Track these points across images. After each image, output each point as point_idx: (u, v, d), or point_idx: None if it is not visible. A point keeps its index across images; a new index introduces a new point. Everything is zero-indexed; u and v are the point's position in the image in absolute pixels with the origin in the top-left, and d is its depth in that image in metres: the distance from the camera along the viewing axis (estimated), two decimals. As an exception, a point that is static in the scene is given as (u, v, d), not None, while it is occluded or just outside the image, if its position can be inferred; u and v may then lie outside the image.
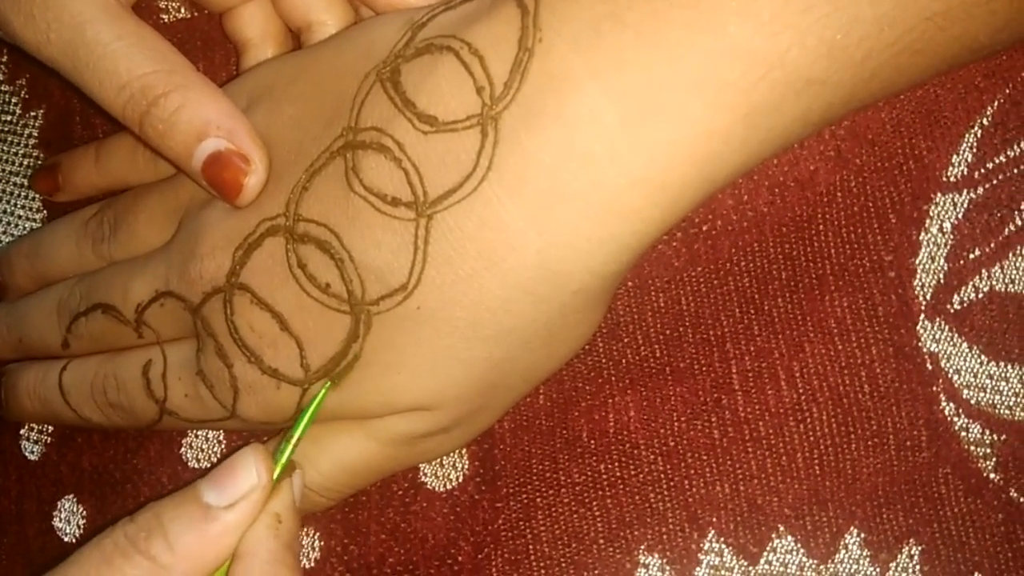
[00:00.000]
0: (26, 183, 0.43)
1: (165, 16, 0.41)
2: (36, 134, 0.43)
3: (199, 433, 0.39)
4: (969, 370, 0.36)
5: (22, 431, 0.42)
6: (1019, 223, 0.35)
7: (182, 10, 0.41)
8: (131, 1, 0.36)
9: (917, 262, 0.36)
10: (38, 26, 0.34)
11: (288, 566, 0.31)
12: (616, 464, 0.36)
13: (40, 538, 0.41)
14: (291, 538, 0.32)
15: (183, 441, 0.39)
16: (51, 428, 0.42)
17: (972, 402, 0.36)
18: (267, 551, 0.31)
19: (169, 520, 0.31)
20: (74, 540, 0.40)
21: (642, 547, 0.36)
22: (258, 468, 0.31)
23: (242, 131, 0.33)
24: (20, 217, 0.43)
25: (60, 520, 0.41)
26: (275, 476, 0.32)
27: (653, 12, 0.28)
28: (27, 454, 0.42)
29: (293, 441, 0.33)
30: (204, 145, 0.33)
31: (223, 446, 0.39)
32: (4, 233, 0.43)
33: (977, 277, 0.36)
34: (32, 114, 0.43)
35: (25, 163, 0.43)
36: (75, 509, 0.41)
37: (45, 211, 0.43)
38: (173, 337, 0.36)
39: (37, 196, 0.43)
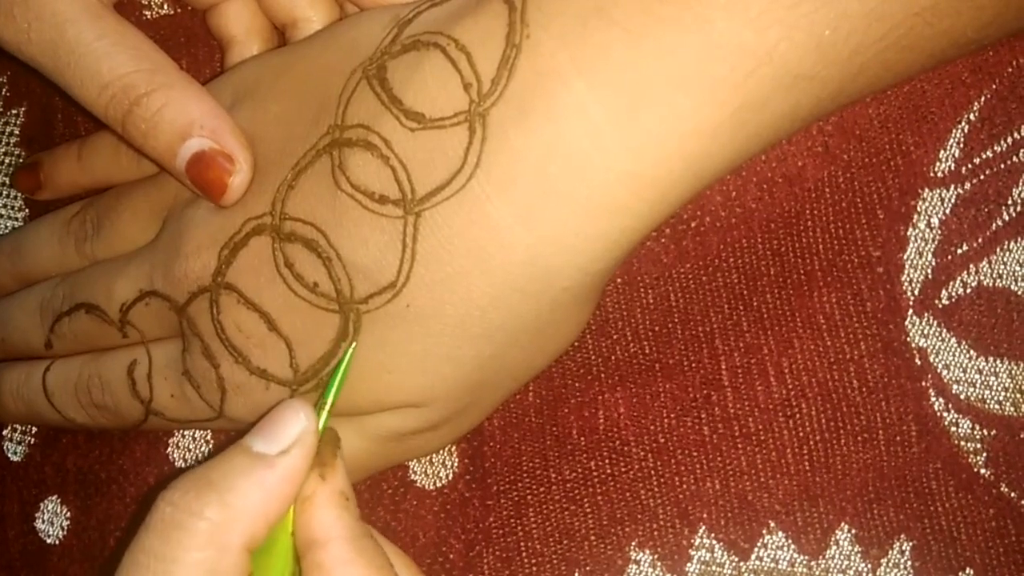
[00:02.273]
0: (7, 181, 0.43)
1: (148, 12, 0.41)
2: (17, 132, 0.43)
3: (186, 433, 0.39)
4: (958, 365, 0.36)
5: (5, 432, 0.42)
6: (1007, 218, 0.36)
7: (165, 6, 0.41)
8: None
9: (905, 257, 0.36)
10: (19, 25, 0.34)
11: (371, 537, 0.29)
12: (606, 461, 0.36)
13: (21, 540, 0.41)
14: (358, 512, 0.30)
15: (169, 441, 0.39)
16: (35, 429, 0.41)
17: (962, 397, 0.36)
18: (347, 528, 0.29)
19: (219, 476, 0.28)
20: (57, 542, 0.40)
21: (633, 543, 0.36)
22: (305, 413, 0.30)
23: (226, 130, 0.33)
24: (1, 216, 0.43)
25: (43, 522, 0.40)
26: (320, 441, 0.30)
27: (641, 8, 0.28)
28: (9, 455, 0.42)
29: (328, 407, 0.31)
30: (188, 144, 0.33)
31: (210, 446, 0.39)
32: (-15, 232, 0.43)
33: (965, 272, 0.36)
34: (13, 112, 0.43)
35: (6, 161, 0.43)
36: (59, 510, 0.40)
37: (27, 210, 0.43)
38: (158, 337, 0.36)
39: (19, 195, 0.43)
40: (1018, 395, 0.36)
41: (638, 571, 0.36)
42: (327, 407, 0.31)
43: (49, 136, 0.42)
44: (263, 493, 0.28)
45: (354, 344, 0.32)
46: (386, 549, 0.30)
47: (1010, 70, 0.35)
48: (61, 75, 0.34)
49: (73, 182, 0.41)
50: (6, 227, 0.43)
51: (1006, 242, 0.36)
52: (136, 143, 0.34)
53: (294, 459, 0.29)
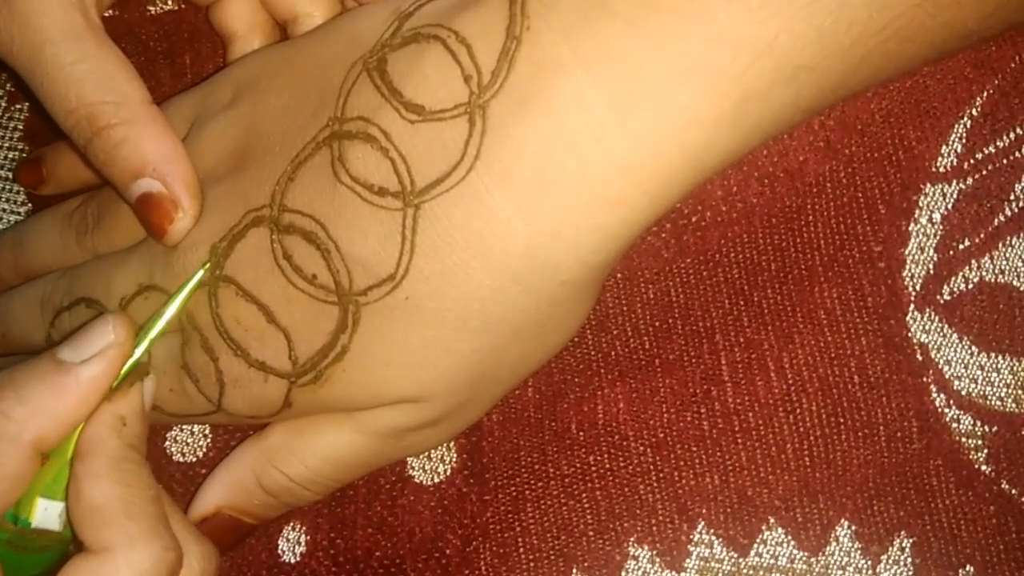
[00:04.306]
0: (10, 176, 0.43)
1: (152, 8, 0.41)
2: (21, 127, 0.43)
3: (184, 427, 0.39)
4: (960, 361, 0.36)
5: None
6: (1008, 213, 0.35)
7: (169, 2, 0.41)
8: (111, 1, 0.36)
9: (907, 253, 0.36)
10: (2, 37, 0.34)
11: (134, 461, 0.31)
12: (605, 456, 0.36)
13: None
14: (136, 440, 0.31)
15: (167, 435, 0.39)
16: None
17: (963, 393, 0.35)
18: (110, 448, 0.31)
19: (21, 376, 0.30)
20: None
21: (632, 539, 0.36)
22: (116, 326, 0.31)
23: (177, 176, 0.34)
24: (4, 210, 0.43)
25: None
26: (125, 368, 0.32)
27: (641, 0, 0.28)
28: (10, 450, 0.41)
29: (152, 333, 0.32)
30: (138, 184, 0.34)
31: (208, 440, 0.39)
32: (-12, 226, 0.43)
33: (967, 268, 0.35)
34: (17, 107, 0.43)
35: (10, 156, 0.43)
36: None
37: (29, 204, 0.43)
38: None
39: (21, 189, 0.43)
40: (1020, 391, 0.35)
41: (636, 567, 0.36)
42: (152, 333, 0.32)
43: (52, 132, 0.42)
44: (57, 396, 0.30)
45: (200, 272, 0.33)
46: (167, 508, 0.32)
47: (1013, 65, 0.35)
48: (35, 90, 0.35)
49: (75, 177, 0.41)
50: (9, 222, 0.43)
51: (1008, 238, 0.36)
52: (95, 168, 0.35)
53: (91, 368, 0.31)
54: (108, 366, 0.31)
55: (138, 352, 0.32)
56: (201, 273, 0.33)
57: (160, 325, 0.33)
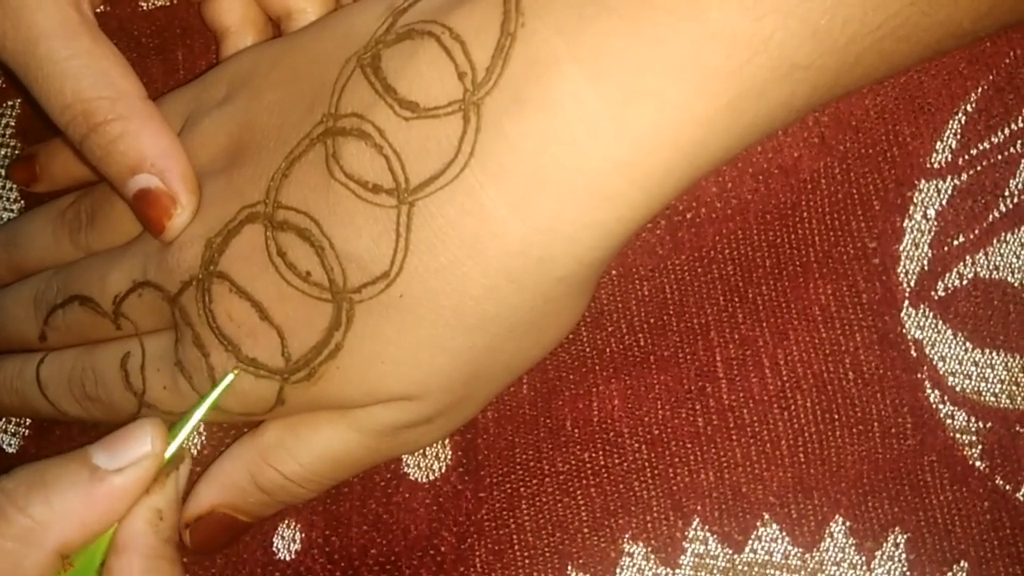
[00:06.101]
0: (3, 173, 0.43)
1: (144, 4, 0.41)
2: (13, 124, 0.43)
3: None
4: (954, 357, 0.36)
5: (-1, 424, 0.42)
6: (1003, 209, 0.35)
7: (161, -2, 0.41)
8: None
9: (901, 249, 0.36)
10: None
11: (169, 560, 0.31)
12: (600, 453, 0.36)
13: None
14: (171, 533, 0.32)
15: (162, 433, 0.39)
16: (29, 421, 0.41)
17: (957, 389, 0.36)
18: (146, 546, 0.31)
19: (53, 478, 0.30)
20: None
21: (627, 536, 0.36)
22: (153, 437, 0.31)
23: (175, 171, 0.34)
24: (-4, 208, 0.43)
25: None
26: (165, 460, 0.32)
27: (637, -3, 0.28)
28: (5, 447, 0.41)
29: (188, 427, 0.32)
30: (136, 179, 0.34)
31: (202, 437, 0.39)
32: (-20, 224, 0.43)
33: (961, 264, 0.36)
34: (9, 104, 0.43)
35: (2, 153, 0.43)
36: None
37: (22, 202, 0.43)
38: (152, 328, 0.36)
39: (14, 187, 0.43)
40: (1014, 387, 0.35)
41: (631, 563, 0.36)
42: (184, 431, 0.32)
43: (45, 128, 0.42)
44: (86, 505, 0.30)
45: (231, 376, 0.33)
46: None
47: (1007, 61, 0.35)
48: (29, 86, 0.35)
49: (68, 174, 0.41)
50: (1, 219, 0.43)
51: (1002, 233, 0.36)
52: (91, 164, 0.35)
53: (126, 479, 0.31)
54: (143, 476, 0.31)
55: (170, 451, 0.32)
56: (231, 377, 0.33)
57: (191, 424, 0.33)
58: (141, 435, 0.31)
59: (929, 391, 0.35)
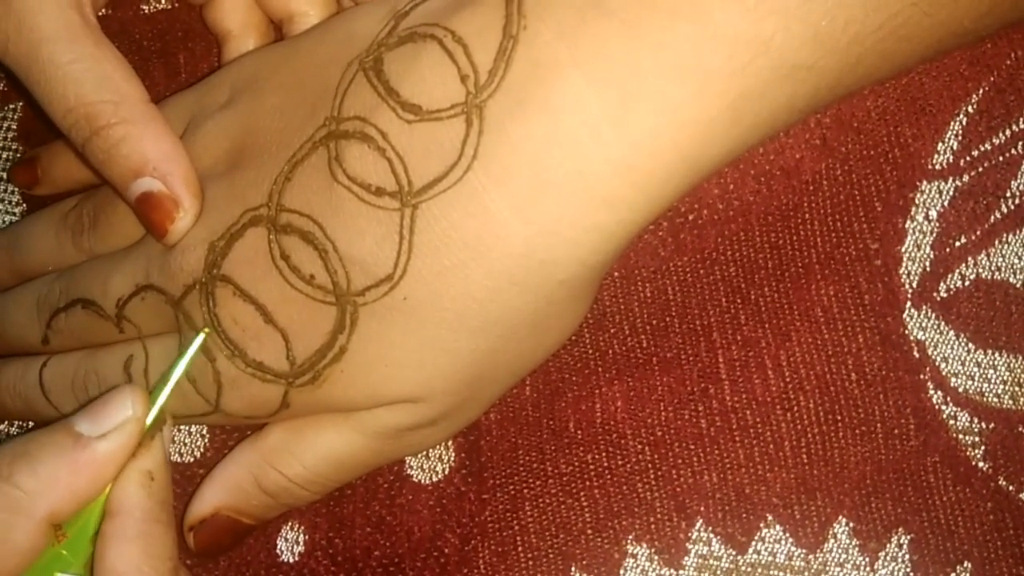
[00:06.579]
0: (5, 176, 0.43)
1: (145, 7, 0.41)
2: (15, 127, 0.43)
3: (182, 427, 0.39)
4: (956, 358, 0.36)
5: (1, 427, 0.42)
6: (1005, 210, 0.35)
7: (163, 1, 0.41)
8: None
9: (903, 250, 0.36)
10: (0, 33, 0.34)
11: (163, 523, 0.31)
12: (603, 454, 0.36)
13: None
14: (164, 495, 0.32)
15: (165, 436, 0.39)
16: (32, 425, 0.41)
17: (960, 390, 0.36)
18: (140, 509, 0.31)
19: (37, 447, 0.30)
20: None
21: (630, 537, 0.36)
22: (134, 401, 0.31)
23: (178, 175, 0.34)
24: (-1, 211, 0.43)
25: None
26: (147, 425, 0.32)
27: (638, -1, 0.28)
28: (7, 451, 0.41)
29: (167, 389, 0.32)
30: (139, 183, 0.34)
31: (206, 440, 0.39)
32: (-18, 227, 0.43)
33: (963, 265, 0.36)
34: (11, 107, 0.43)
35: (4, 156, 0.43)
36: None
37: (24, 205, 0.43)
38: (155, 332, 0.36)
39: (16, 190, 0.43)
40: (1016, 388, 0.35)
41: (635, 565, 0.36)
42: (164, 393, 0.32)
43: (47, 131, 0.42)
44: (72, 472, 0.30)
45: (202, 335, 0.33)
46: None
47: (1008, 62, 0.35)
48: (32, 89, 0.35)
49: (70, 177, 0.41)
50: (3, 222, 0.43)
51: (1004, 235, 0.36)
52: (94, 167, 0.35)
53: (110, 444, 0.31)
54: (126, 441, 0.31)
55: (150, 417, 0.32)
56: (203, 336, 0.33)
57: (170, 386, 0.33)
58: (122, 400, 0.31)
59: (932, 392, 0.35)
